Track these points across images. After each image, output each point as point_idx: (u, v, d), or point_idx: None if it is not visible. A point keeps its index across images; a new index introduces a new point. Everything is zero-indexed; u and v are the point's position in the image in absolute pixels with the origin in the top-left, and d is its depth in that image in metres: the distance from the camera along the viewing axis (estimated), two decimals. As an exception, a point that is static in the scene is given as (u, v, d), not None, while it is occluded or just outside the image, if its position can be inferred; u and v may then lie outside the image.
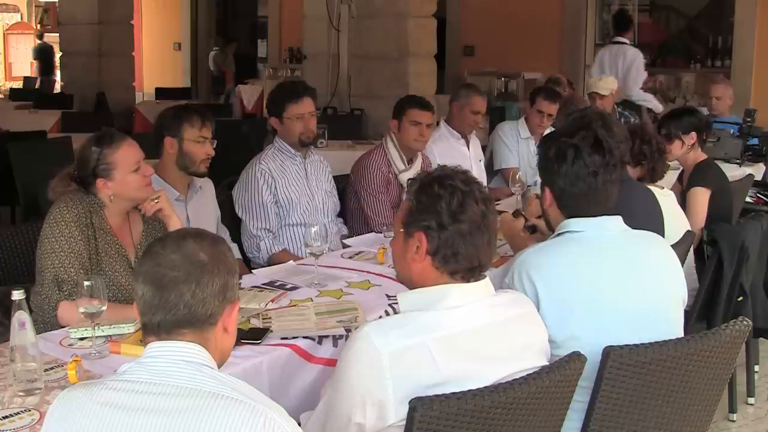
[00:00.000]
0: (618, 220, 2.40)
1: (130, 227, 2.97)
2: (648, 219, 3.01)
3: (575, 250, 2.33)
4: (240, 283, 2.53)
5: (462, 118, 4.95)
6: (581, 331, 2.22)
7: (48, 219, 2.78)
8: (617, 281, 2.30)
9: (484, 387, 1.80)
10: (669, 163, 3.89)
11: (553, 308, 2.23)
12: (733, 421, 3.84)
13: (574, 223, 2.37)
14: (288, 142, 3.94)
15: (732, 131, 5.85)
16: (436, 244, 1.96)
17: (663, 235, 2.93)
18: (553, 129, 4.99)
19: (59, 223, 2.75)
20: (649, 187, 3.60)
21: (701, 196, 4.13)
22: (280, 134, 3.96)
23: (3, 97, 12.17)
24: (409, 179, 2.17)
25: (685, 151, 4.27)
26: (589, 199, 2.36)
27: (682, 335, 2.33)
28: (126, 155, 2.85)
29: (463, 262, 1.97)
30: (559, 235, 2.41)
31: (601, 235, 2.35)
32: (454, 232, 1.95)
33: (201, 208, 3.59)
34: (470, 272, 1.98)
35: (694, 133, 4.25)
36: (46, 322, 2.67)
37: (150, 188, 2.94)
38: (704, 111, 5.89)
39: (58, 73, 13.04)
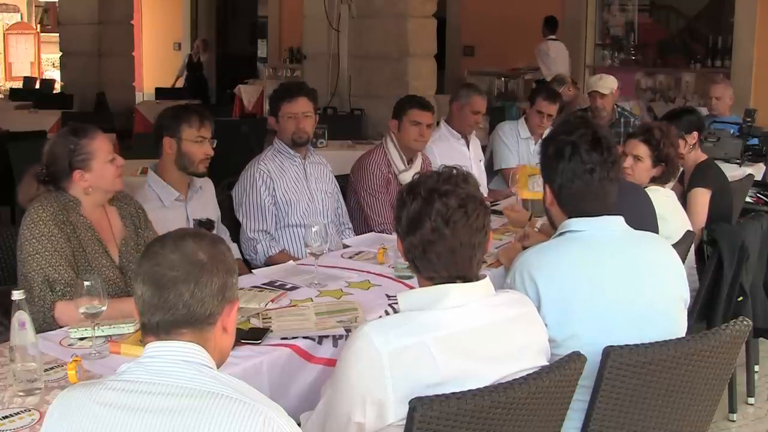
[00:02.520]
0: (620, 219, 2.40)
1: (109, 222, 2.95)
2: (641, 219, 3.00)
3: (576, 249, 2.33)
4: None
5: (462, 118, 4.95)
6: (582, 330, 2.22)
7: (25, 221, 2.74)
8: (619, 281, 2.30)
9: (484, 387, 1.80)
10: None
11: (555, 308, 2.23)
12: (733, 421, 3.83)
13: (575, 223, 2.37)
14: (284, 141, 3.94)
15: (732, 131, 5.84)
16: (405, 248, 2.00)
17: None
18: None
19: (38, 224, 2.72)
20: (652, 187, 3.61)
21: (702, 197, 4.13)
22: (278, 134, 3.97)
23: (3, 97, 12.15)
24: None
25: (687, 150, 4.27)
26: (585, 197, 2.36)
27: (684, 333, 2.34)
28: (102, 145, 2.85)
29: (425, 273, 1.98)
30: (560, 234, 2.41)
31: (602, 234, 2.35)
32: (409, 244, 1.98)
33: (201, 208, 3.58)
34: (448, 280, 1.96)
35: (695, 132, 4.26)
36: (47, 323, 2.66)
37: (121, 180, 2.93)
38: (704, 111, 5.88)
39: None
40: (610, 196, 2.39)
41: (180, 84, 13.31)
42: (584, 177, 2.34)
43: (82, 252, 2.79)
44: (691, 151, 4.28)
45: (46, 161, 2.85)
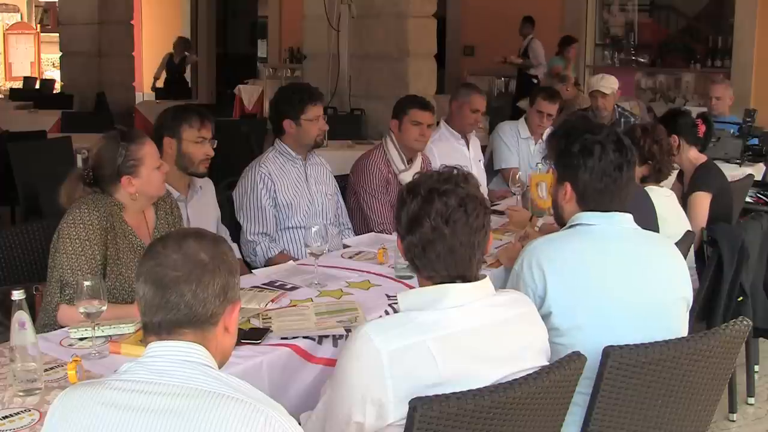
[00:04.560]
0: (629, 217, 2.42)
1: (147, 223, 2.94)
2: (644, 218, 3.01)
3: (585, 242, 2.36)
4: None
5: (461, 117, 4.94)
6: (586, 321, 2.24)
7: (66, 219, 2.72)
8: (623, 276, 2.32)
9: (484, 387, 1.80)
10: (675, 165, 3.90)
11: (561, 296, 2.26)
12: (733, 421, 3.84)
13: (586, 216, 2.40)
14: (298, 143, 3.90)
15: (732, 131, 5.85)
16: (405, 248, 2.01)
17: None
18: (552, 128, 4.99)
19: (78, 225, 2.70)
20: (652, 187, 3.61)
21: (703, 200, 4.13)
22: (292, 136, 3.89)
23: (3, 97, 12.15)
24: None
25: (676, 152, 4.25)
26: (612, 195, 2.39)
27: (686, 333, 2.35)
28: (151, 152, 2.84)
29: (424, 272, 1.98)
30: (571, 227, 2.42)
31: (612, 229, 2.38)
32: (409, 244, 1.98)
33: (201, 208, 3.58)
34: (448, 279, 1.96)
35: (675, 136, 4.24)
36: (52, 324, 2.67)
37: (165, 185, 2.94)
38: (703, 111, 5.87)
39: None
40: (630, 195, 2.44)
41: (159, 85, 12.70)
42: (614, 175, 2.37)
43: (117, 261, 2.77)
44: (678, 153, 4.25)
45: (93, 164, 2.83)
